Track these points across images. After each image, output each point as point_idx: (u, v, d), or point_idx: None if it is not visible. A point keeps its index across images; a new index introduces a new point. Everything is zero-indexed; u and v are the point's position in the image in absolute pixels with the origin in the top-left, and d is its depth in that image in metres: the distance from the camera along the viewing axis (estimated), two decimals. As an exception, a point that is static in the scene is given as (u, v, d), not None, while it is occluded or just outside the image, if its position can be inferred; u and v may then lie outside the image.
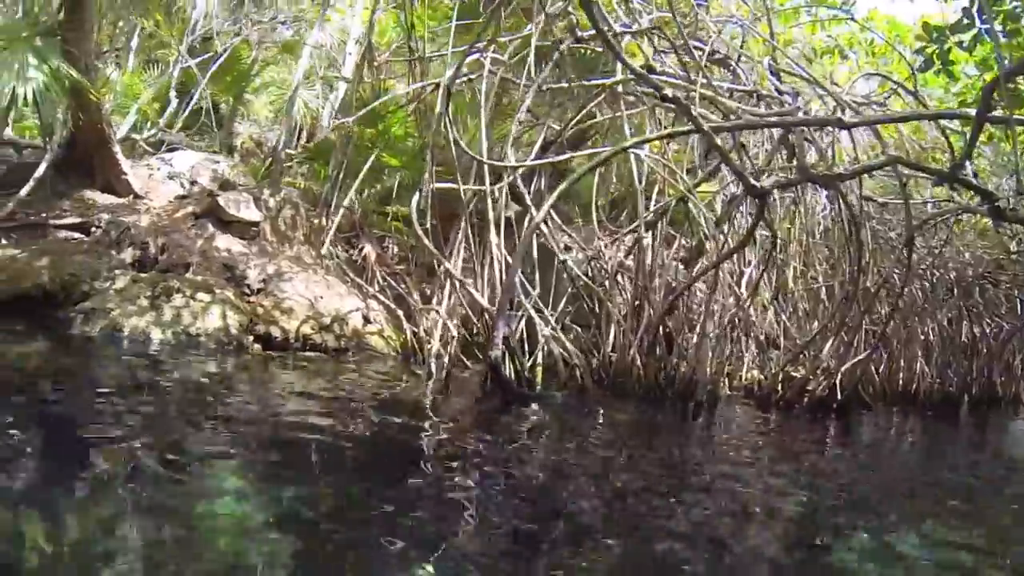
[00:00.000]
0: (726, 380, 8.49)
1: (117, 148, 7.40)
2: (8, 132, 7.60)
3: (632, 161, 8.25)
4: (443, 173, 8.70)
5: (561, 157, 7.73)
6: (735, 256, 8.80)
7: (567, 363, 7.26)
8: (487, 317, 7.38)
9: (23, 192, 6.79)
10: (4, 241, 6.46)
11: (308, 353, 7.11)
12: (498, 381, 6.42)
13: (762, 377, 8.58)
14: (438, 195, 7.92)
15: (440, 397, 6.43)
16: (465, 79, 8.34)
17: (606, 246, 8.68)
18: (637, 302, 8.04)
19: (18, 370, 4.72)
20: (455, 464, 4.13)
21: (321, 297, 7.71)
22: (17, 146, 7.65)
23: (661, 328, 7.84)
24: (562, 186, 6.71)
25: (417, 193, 7.45)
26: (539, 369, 8.01)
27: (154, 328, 6.19)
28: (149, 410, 4.26)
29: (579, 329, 8.72)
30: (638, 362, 7.63)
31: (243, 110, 10.96)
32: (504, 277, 6.99)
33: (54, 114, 6.86)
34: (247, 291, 7.24)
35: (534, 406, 6.30)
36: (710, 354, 7.60)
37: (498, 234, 7.58)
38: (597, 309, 8.40)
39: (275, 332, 6.99)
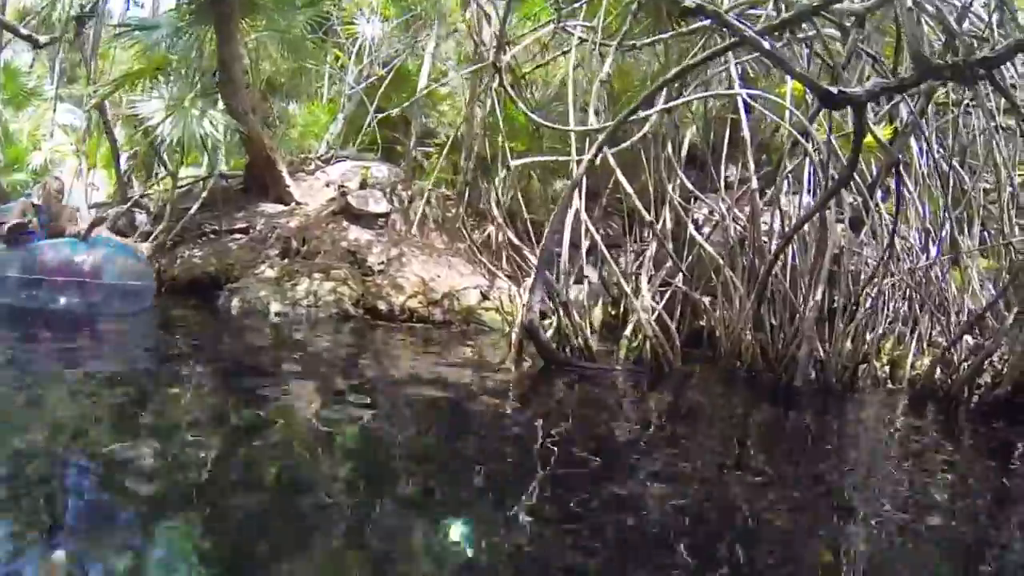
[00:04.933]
0: (887, 367, 6.95)
1: (281, 168, 9.13)
2: (222, 167, 9.87)
3: (740, 107, 7.41)
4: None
5: (615, 122, 7.18)
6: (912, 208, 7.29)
7: (650, 336, 6.83)
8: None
9: (192, 210, 8.81)
10: (192, 246, 8.54)
11: (414, 325, 7.94)
12: (538, 347, 6.45)
13: (928, 364, 6.67)
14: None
15: (512, 364, 6.66)
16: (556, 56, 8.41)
17: (728, 208, 7.85)
18: (750, 269, 7.16)
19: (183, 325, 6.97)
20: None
21: (438, 276, 8.46)
22: (224, 176, 9.91)
23: (783, 300, 6.82)
24: (601, 137, 6.49)
25: (503, 170, 7.78)
26: (623, 342, 7.66)
27: (274, 302, 7.58)
28: (232, 349, 5.92)
29: (706, 302, 8.05)
30: (749, 338, 6.78)
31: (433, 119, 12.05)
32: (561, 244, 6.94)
33: (219, 152, 8.87)
34: (368, 273, 8.31)
35: (572, 377, 6.11)
36: (817, 329, 6.29)
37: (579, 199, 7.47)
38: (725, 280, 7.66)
39: (381, 306, 7.94)
